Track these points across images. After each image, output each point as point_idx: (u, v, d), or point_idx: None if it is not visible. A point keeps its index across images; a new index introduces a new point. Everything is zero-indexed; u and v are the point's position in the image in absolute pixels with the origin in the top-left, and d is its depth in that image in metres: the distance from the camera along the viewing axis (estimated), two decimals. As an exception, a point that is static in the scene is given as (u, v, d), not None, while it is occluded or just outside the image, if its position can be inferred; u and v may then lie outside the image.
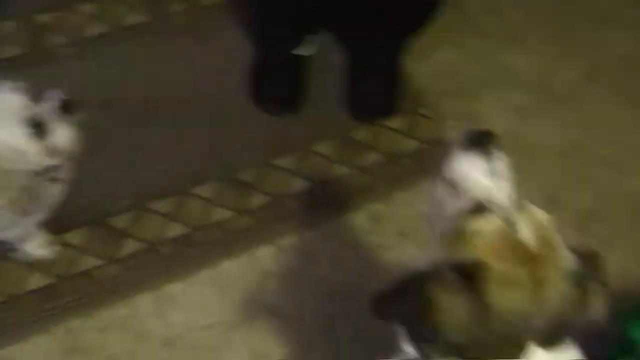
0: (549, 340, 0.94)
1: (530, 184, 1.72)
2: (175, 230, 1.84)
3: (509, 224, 0.95)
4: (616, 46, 2.29)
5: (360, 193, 1.91)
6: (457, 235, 0.98)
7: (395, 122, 2.03)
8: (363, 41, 1.97)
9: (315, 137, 2.00)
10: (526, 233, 0.95)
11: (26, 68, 2.00)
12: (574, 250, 0.98)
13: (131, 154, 1.92)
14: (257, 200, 1.90)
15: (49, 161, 1.39)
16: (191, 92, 2.02)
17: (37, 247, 1.72)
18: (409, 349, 1.06)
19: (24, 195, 1.37)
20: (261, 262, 1.82)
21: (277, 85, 2.00)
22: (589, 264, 0.97)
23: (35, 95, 1.36)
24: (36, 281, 1.74)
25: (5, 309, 1.70)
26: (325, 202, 1.91)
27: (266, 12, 1.91)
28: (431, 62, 2.16)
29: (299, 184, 1.93)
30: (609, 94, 2.19)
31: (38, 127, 1.32)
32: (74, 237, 1.81)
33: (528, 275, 0.92)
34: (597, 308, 0.97)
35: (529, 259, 0.93)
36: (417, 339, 1.01)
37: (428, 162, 1.93)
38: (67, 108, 1.36)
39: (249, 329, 1.73)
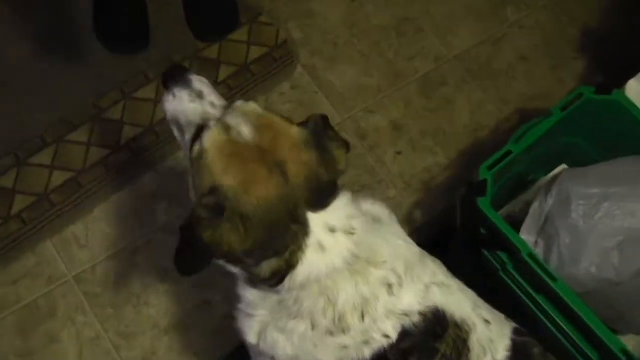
0: (318, 203, 1.07)
1: (372, 61, 1.95)
2: (60, 178, 1.97)
3: (229, 130, 1.06)
4: None
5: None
6: (194, 166, 1.08)
7: (239, 35, 2.18)
8: None
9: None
10: (247, 131, 1.05)
11: None
12: (301, 123, 1.11)
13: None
14: (129, 132, 2.05)
15: None
16: (41, 49, 2.11)
17: None
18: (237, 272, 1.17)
19: None
20: (146, 188, 1.98)
21: (120, 23, 2.05)
22: (320, 126, 1.10)
23: None
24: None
25: None
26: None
27: None
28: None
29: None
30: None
31: None
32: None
33: (266, 167, 1.04)
34: (342, 155, 1.11)
35: (260, 152, 1.05)
36: (233, 260, 1.12)
37: (275, 65, 2.09)
38: None
39: (149, 249, 1.91)
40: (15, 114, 2.01)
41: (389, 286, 1.11)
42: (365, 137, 2.08)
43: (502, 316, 1.25)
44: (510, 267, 1.51)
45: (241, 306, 1.21)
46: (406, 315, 1.12)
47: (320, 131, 1.10)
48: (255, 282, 1.15)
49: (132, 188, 1.97)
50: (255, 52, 2.16)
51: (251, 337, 1.19)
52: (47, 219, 1.92)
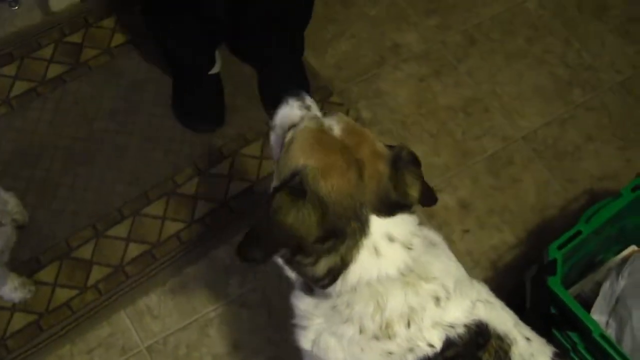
0: (383, 211, 1.15)
1: (440, 141, 2.03)
2: (135, 250, 2.06)
3: (321, 124, 1.17)
4: (486, 7, 2.60)
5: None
6: (282, 152, 1.19)
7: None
8: (260, 46, 2.24)
9: (242, 142, 2.25)
10: (337, 130, 1.16)
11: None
12: (391, 146, 1.21)
13: (81, 191, 2.14)
14: (203, 208, 2.13)
15: None
16: (122, 125, 2.25)
17: (13, 290, 1.91)
18: (292, 275, 1.27)
19: None
20: (220, 261, 2.06)
21: (200, 105, 2.23)
22: (405, 156, 1.19)
23: None
24: (20, 321, 1.94)
25: (-4, 353, 1.90)
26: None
27: (177, 37, 2.15)
28: (331, 54, 2.43)
29: (237, 186, 2.17)
30: (491, 52, 2.50)
31: None
32: (45, 275, 2.01)
33: (345, 161, 1.13)
34: (416, 187, 1.19)
35: (343, 147, 1.14)
36: (292, 260, 1.18)
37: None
38: None
39: (221, 323, 1.97)
40: (97, 187, 2.12)
41: (437, 299, 1.18)
42: (434, 215, 2.13)
43: (543, 339, 1.30)
44: (581, 348, 1.53)
45: (295, 321, 1.29)
46: (452, 327, 1.18)
47: (404, 160, 1.18)
48: (310, 286, 1.22)
49: (206, 261, 2.04)
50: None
51: (306, 344, 1.26)
52: (122, 290, 2.00)
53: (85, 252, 2.04)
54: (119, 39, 2.41)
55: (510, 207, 2.18)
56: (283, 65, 2.24)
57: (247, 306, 1.97)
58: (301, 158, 1.14)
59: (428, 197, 1.23)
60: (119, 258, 2.04)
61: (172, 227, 2.09)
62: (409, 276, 1.17)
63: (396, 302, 1.18)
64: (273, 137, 1.34)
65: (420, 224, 1.25)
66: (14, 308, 1.94)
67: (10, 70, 2.31)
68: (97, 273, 2.02)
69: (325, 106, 2.30)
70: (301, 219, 1.10)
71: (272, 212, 1.10)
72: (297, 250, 1.16)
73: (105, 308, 1.98)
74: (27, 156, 2.13)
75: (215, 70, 2.24)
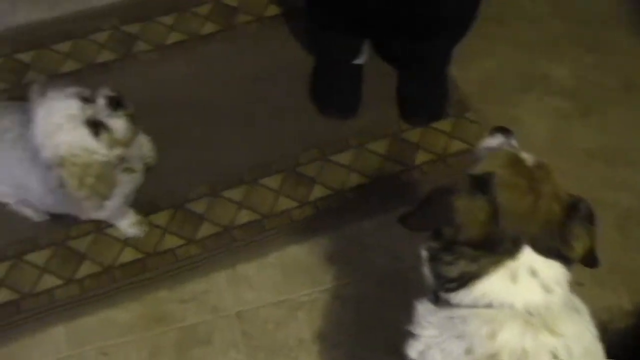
0: (540, 248, 1.17)
1: (570, 185, 1.97)
2: (246, 216, 2.12)
3: (518, 154, 1.25)
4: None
5: (414, 189, 2.16)
6: (477, 163, 1.28)
7: (443, 125, 2.28)
8: (410, 52, 2.24)
9: (370, 137, 2.26)
10: (530, 162, 1.23)
11: (117, 71, 2.32)
12: (573, 196, 1.23)
13: (206, 148, 2.21)
14: (318, 192, 2.17)
15: (113, 152, 1.64)
16: (257, 94, 2.30)
17: (130, 225, 2.02)
18: (427, 273, 1.32)
19: (101, 183, 1.59)
20: (324, 248, 2.08)
21: (338, 92, 2.26)
22: (583, 208, 1.21)
23: (89, 96, 1.60)
24: (128, 255, 2.04)
25: (102, 278, 2.02)
26: (382, 196, 2.16)
27: (328, 23, 2.18)
28: (475, 70, 2.40)
29: (355, 179, 2.18)
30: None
31: (96, 125, 1.57)
32: (159, 218, 2.10)
33: (528, 186, 1.18)
34: (582, 243, 1.20)
35: (531, 176, 1.20)
36: (440, 250, 1.24)
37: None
38: (116, 103, 1.59)
39: (312, 309, 2.00)
40: (222, 147, 2.20)
41: (555, 356, 1.15)
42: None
43: None
44: None
45: (409, 327, 1.32)
46: None
47: (580, 212, 1.20)
48: (437, 295, 1.26)
49: (310, 244, 2.07)
50: (455, 145, 2.23)
51: (412, 353, 1.30)
52: (226, 252, 2.06)
53: (199, 206, 2.11)
54: (272, 10, 2.47)
55: (635, 270, 2.07)
56: (427, 73, 2.25)
57: (340, 299, 1.99)
58: (495, 167, 1.21)
59: (591, 259, 1.23)
60: (229, 220, 2.10)
61: (285, 203, 2.13)
62: (534, 318, 1.16)
63: (511, 336, 1.17)
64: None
65: (571, 287, 1.25)
66: (126, 242, 2.05)
67: (169, 20, 2.42)
68: (205, 229, 2.08)
69: (459, 121, 2.29)
70: (470, 210, 1.17)
71: (450, 191, 1.18)
72: (445, 245, 1.21)
73: (206, 264, 2.04)
74: (164, 105, 2.21)
75: (359, 61, 2.26)
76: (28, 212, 2.02)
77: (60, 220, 2.02)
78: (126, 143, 1.64)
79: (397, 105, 2.29)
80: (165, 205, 2.11)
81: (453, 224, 1.18)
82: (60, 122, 1.50)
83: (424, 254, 1.31)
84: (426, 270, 1.32)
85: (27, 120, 1.69)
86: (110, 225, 2.03)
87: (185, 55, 2.35)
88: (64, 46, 2.36)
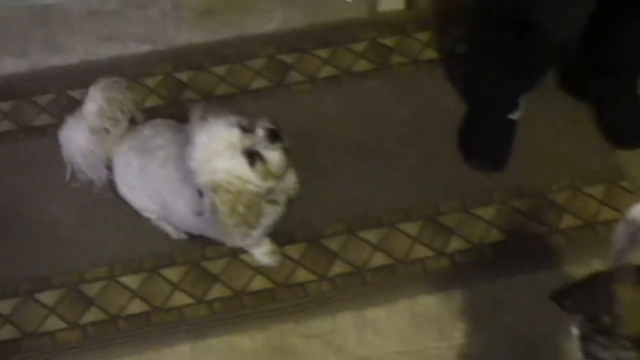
0: None
1: None
2: (379, 259, 2.10)
3: None
4: None
5: (555, 253, 2.08)
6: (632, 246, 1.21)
7: (595, 190, 2.18)
8: (609, 86, 2.20)
9: (514, 193, 2.20)
10: None
11: (267, 99, 2.39)
12: None
13: (347, 185, 2.21)
14: (455, 244, 2.12)
15: (266, 184, 1.65)
16: (405, 136, 2.30)
17: (264, 254, 2.03)
18: (576, 350, 1.26)
19: (250, 212, 1.60)
20: (455, 302, 2.03)
21: (487, 144, 2.22)
22: None
23: (247, 125, 1.61)
24: (259, 283, 2.07)
25: (231, 303, 2.05)
26: (520, 255, 2.09)
27: (493, 83, 2.15)
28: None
29: (495, 235, 2.13)
30: None
31: (253, 156, 1.56)
32: (293, 250, 2.11)
33: None
34: None
35: None
36: (594, 331, 1.19)
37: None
38: (274, 136, 1.57)
39: (436, 361, 1.93)
40: (363, 186, 2.21)
41: None
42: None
43: None
44: None
45: None
46: None
47: None
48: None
49: (441, 297, 2.03)
50: (606, 213, 2.14)
51: None
52: (356, 293, 2.05)
53: (334, 243, 2.11)
54: (429, 53, 2.46)
55: None
56: (623, 102, 2.22)
57: (468, 358, 1.93)
58: None
59: None
60: (362, 261, 2.09)
61: (420, 251, 2.10)
62: None
63: None
64: (623, 226, 1.33)
65: None
66: (258, 270, 2.07)
67: (324, 53, 2.46)
68: (338, 267, 2.08)
69: (613, 188, 2.19)
70: (635, 303, 1.11)
71: (613, 278, 1.13)
72: (603, 329, 1.15)
73: (335, 302, 2.03)
74: (311, 137, 2.24)
75: (514, 116, 2.21)
76: (168, 229, 2.09)
77: (197, 241, 2.07)
78: (279, 176, 1.66)
79: (603, 130, 2.26)
80: (301, 237, 2.12)
81: (613, 313, 1.12)
82: (220, 149, 1.52)
83: (575, 331, 1.25)
84: (575, 347, 1.26)
85: (181, 140, 1.74)
86: (245, 251, 2.05)
87: (336, 90, 2.38)
88: (220, 69, 2.43)
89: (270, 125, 1.61)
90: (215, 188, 1.54)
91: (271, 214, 1.81)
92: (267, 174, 1.62)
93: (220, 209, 1.56)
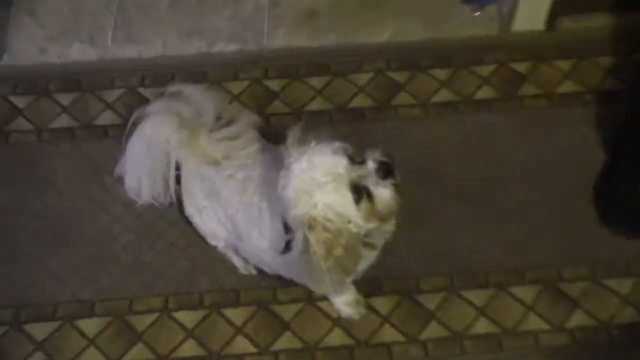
0: None
1: None
2: (483, 326, 2.10)
3: None
4: None
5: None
6: None
7: None
8: None
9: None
10: None
11: (371, 121, 2.41)
12: None
13: (451, 233, 2.22)
14: (578, 319, 2.11)
15: (368, 225, 1.62)
16: (529, 181, 2.28)
17: (346, 304, 2.04)
18: None
19: (348, 256, 1.57)
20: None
21: (631, 202, 2.19)
22: None
23: (355, 155, 1.58)
24: (336, 338, 2.08)
25: (300, 356, 2.08)
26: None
27: None
28: None
29: (629, 314, 2.10)
30: None
31: (360, 192, 1.53)
32: (380, 304, 2.13)
33: None
34: None
35: None
36: None
37: None
38: (386, 171, 1.54)
39: None
40: (469, 237, 2.22)
41: None
42: None
43: None
44: None
45: None
46: None
47: None
48: None
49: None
50: None
51: None
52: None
53: (430, 301, 2.12)
54: (568, 86, 2.45)
55: None
56: None
57: None
58: None
59: None
60: (462, 326, 2.10)
61: (534, 322, 2.10)
62: None
63: None
64: None
65: None
66: (337, 322, 2.09)
67: (441, 74, 2.49)
68: (432, 330, 2.09)
69: None
70: None
71: None
72: None
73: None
74: (415, 170, 2.25)
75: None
76: (236, 261, 2.12)
77: (268, 279, 2.10)
78: (385, 217, 1.64)
79: None
80: (391, 289, 2.14)
81: None
82: (324, 181, 1.50)
83: None
84: None
85: (267, 161, 1.77)
86: (324, 298, 2.08)
87: (451, 119, 2.40)
88: (318, 81, 2.49)
89: (383, 158, 1.59)
90: (312, 224, 1.51)
91: (366, 260, 1.79)
92: (372, 214, 1.60)
93: (315, 249, 1.52)
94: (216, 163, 1.85)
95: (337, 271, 1.58)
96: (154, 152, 1.83)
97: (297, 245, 1.55)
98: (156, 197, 1.92)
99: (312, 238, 1.51)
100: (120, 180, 1.96)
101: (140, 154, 1.86)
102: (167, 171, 1.87)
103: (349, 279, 1.73)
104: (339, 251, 1.54)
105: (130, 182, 1.93)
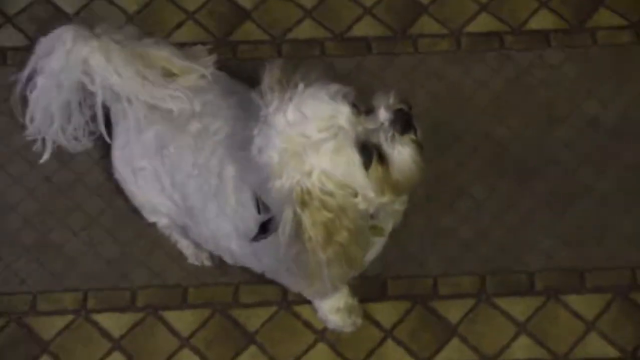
0: None
1: None
2: (523, 348, 1.98)
3: None
4: None
5: None
6: None
7: None
8: None
9: None
10: None
11: (380, 58, 2.26)
12: None
13: (487, 216, 2.11)
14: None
15: (381, 199, 1.49)
16: (592, 148, 2.18)
17: (334, 310, 1.90)
18: None
19: (355, 242, 1.48)
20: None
21: None
22: None
23: (361, 102, 1.44)
24: (319, 356, 1.97)
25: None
26: None
27: None
28: None
29: None
30: None
31: (371, 152, 1.43)
32: (382, 312, 2.00)
33: None
34: None
35: None
36: None
37: None
38: (405, 123, 1.45)
39: None
40: (521, 228, 2.11)
41: None
42: None
43: None
44: None
45: None
46: None
47: None
48: None
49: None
50: None
51: None
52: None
53: (452, 310, 2.03)
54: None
55: None
56: None
57: None
58: None
59: None
60: (495, 346, 1.99)
61: (594, 343, 2.00)
62: None
63: None
64: None
65: None
66: (322, 335, 1.98)
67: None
68: (450, 350, 1.98)
69: None
70: None
71: None
72: None
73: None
74: (442, 127, 2.16)
75: None
76: (183, 247, 1.99)
77: (230, 272, 1.99)
78: (402, 188, 1.50)
79: None
80: (397, 293, 2.02)
81: None
82: (320, 138, 1.38)
83: None
84: None
85: (232, 108, 1.64)
86: (305, 301, 1.93)
87: (491, 55, 2.29)
88: (307, -1, 2.31)
89: (400, 105, 1.44)
90: (305, 200, 1.40)
91: (374, 249, 1.67)
92: (386, 184, 1.46)
93: (310, 235, 1.41)
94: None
95: (340, 264, 1.47)
96: (67, 75, 1.68)
97: (283, 229, 1.42)
98: (66, 145, 1.79)
99: (306, 219, 1.40)
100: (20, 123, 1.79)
101: (51, 81, 1.70)
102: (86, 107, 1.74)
103: (353, 275, 1.61)
104: (342, 236, 1.43)
105: (36, 121, 1.76)
